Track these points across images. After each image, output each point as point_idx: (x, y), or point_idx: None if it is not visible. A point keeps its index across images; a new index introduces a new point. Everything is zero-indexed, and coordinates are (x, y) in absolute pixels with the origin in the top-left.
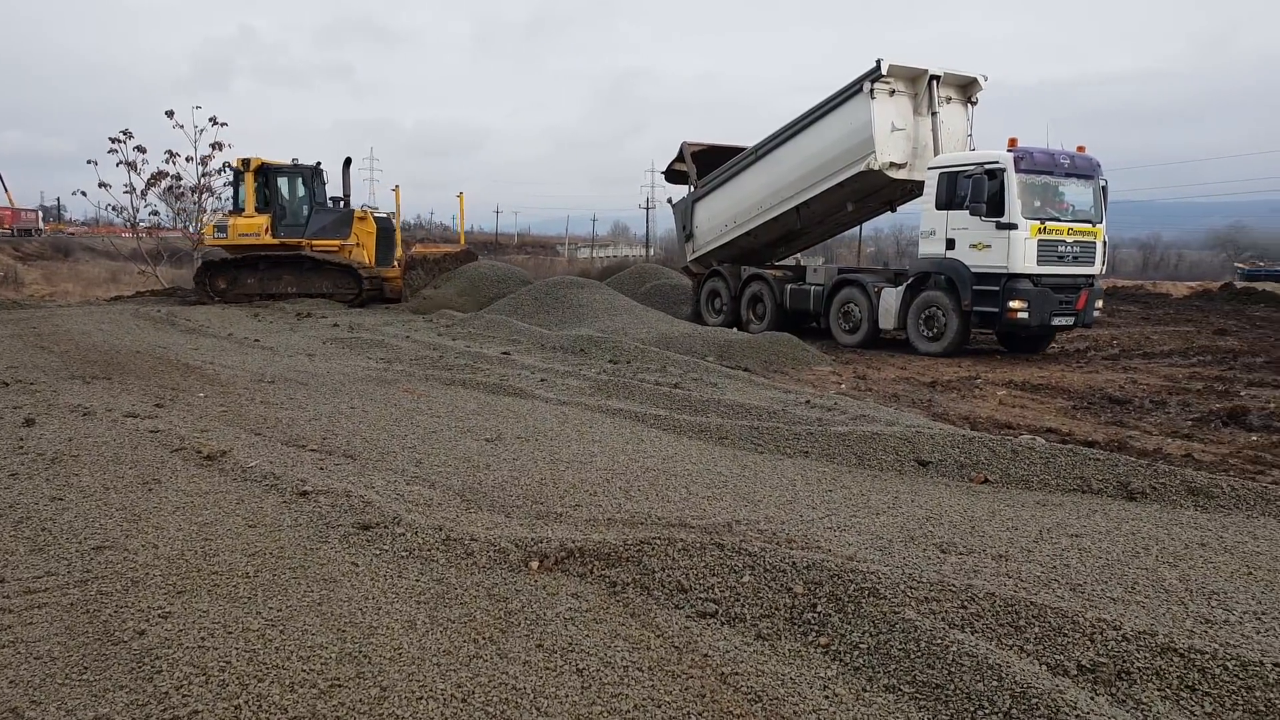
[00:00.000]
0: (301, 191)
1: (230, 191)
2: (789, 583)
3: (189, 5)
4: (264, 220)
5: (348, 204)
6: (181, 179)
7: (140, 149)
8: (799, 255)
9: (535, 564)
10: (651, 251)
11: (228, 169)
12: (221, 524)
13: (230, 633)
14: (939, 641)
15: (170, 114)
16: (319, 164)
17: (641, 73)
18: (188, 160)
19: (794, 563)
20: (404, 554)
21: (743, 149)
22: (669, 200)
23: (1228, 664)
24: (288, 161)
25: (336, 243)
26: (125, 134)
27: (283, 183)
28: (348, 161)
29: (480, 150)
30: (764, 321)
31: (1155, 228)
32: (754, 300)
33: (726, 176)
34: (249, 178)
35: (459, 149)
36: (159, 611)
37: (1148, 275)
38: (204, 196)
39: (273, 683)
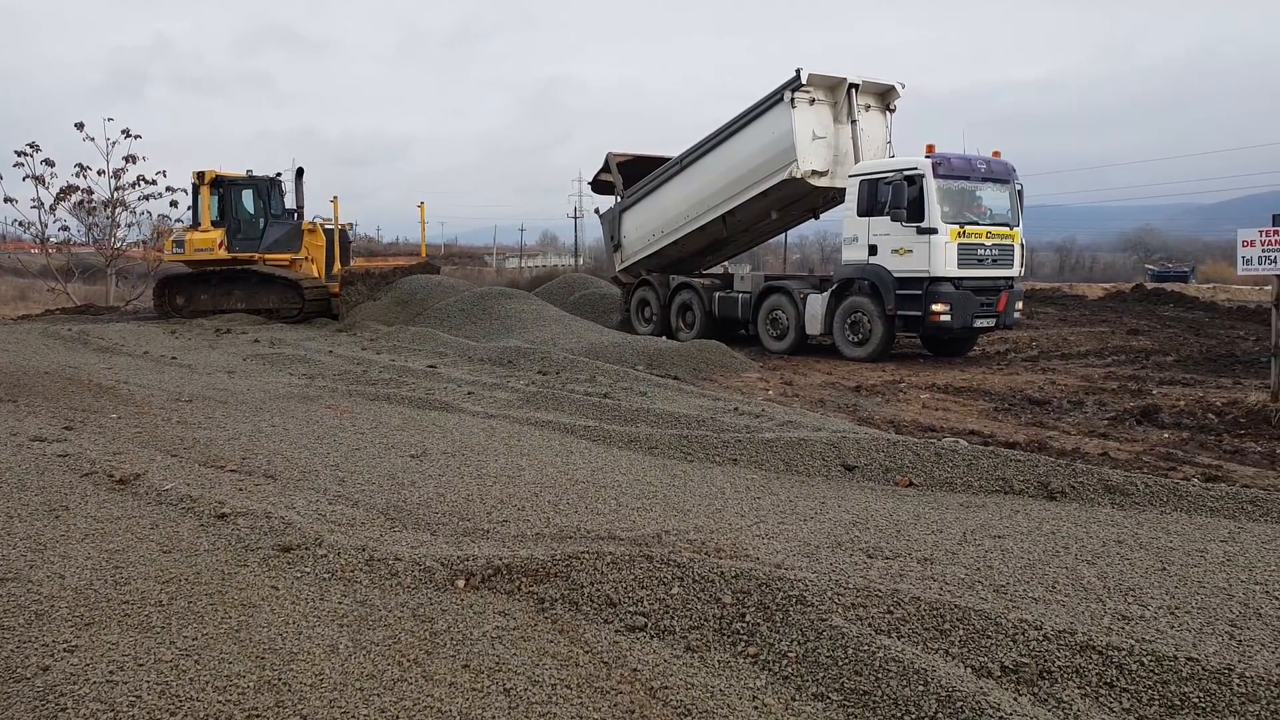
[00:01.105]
0: (258, 204)
1: (145, 205)
2: (718, 593)
3: (100, 13)
4: (218, 234)
5: (301, 216)
6: (93, 193)
7: (49, 162)
8: (727, 263)
9: (461, 582)
10: (580, 261)
11: (142, 183)
12: (134, 550)
13: (141, 665)
14: (866, 648)
15: (80, 126)
16: (278, 175)
17: (566, 80)
18: (99, 174)
19: (722, 572)
20: (326, 576)
21: (668, 159)
22: (596, 211)
23: (1144, 660)
24: (243, 173)
25: (288, 257)
26: (32, 146)
27: (237, 195)
28: (300, 171)
29: (403, 159)
30: (693, 329)
31: (1070, 231)
32: (683, 309)
33: (652, 186)
34: (204, 191)
35: (382, 158)
36: (64, 645)
37: (1064, 277)
38: (118, 211)
39: (186, 716)
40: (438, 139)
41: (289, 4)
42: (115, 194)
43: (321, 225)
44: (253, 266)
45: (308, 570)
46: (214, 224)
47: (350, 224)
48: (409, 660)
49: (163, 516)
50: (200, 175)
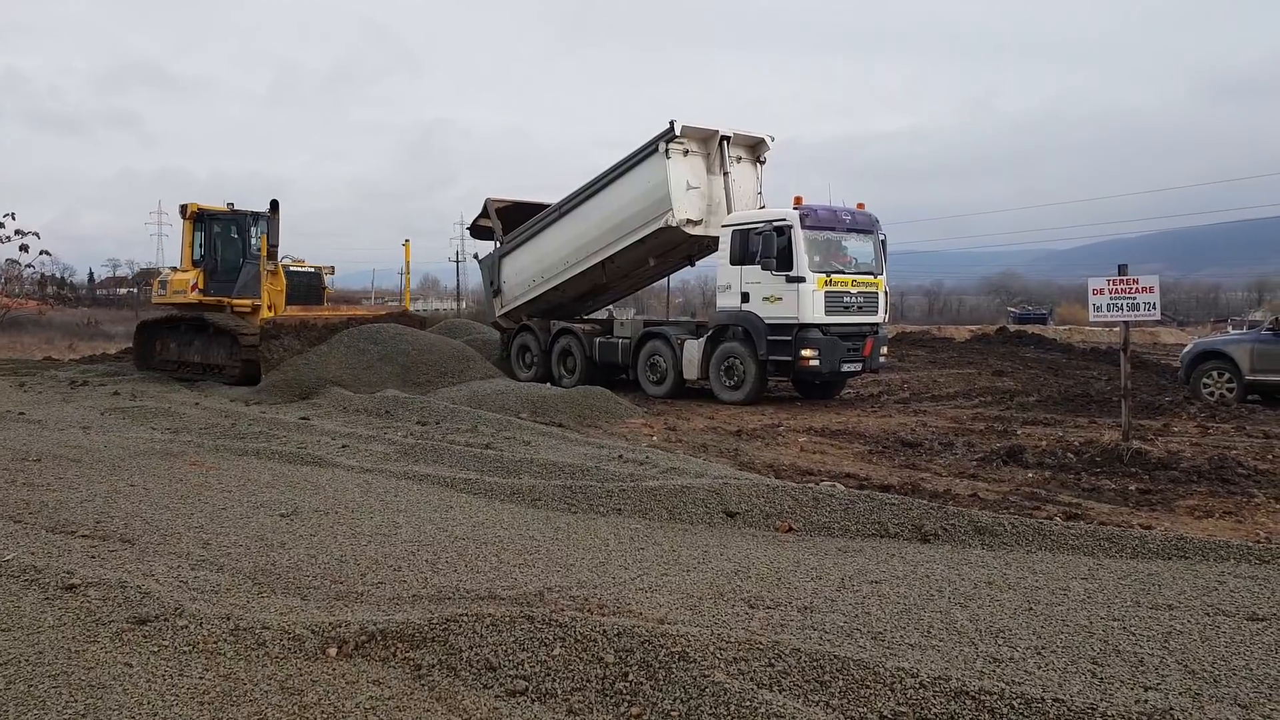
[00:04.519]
0: (237, 242)
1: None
2: (600, 652)
3: None
4: (193, 275)
5: (272, 255)
6: None
7: None
8: (611, 308)
9: (333, 650)
10: (463, 305)
11: None
12: None
13: None
14: (748, 704)
15: None
16: (272, 207)
17: (450, 124)
18: None
19: (605, 630)
20: (186, 649)
21: (546, 205)
22: (475, 256)
23: (1013, 703)
24: (224, 206)
25: (250, 301)
26: None
27: (216, 231)
28: (274, 204)
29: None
30: (575, 375)
31: (938, 275)
32: (564, 354)
33: (532, 233)
34: (187, 227)
35: (255, 200)
36: None
37: (933, 320)
38: None
39: None
40: (315, 181)
41: (157, 41)
42: None
43: (285, 266)
44: (207, 315)
45: (166, 643)
46: (195, 263)
47: (329, 267)
48: None
49: (1, 590)
50: (183, 209)
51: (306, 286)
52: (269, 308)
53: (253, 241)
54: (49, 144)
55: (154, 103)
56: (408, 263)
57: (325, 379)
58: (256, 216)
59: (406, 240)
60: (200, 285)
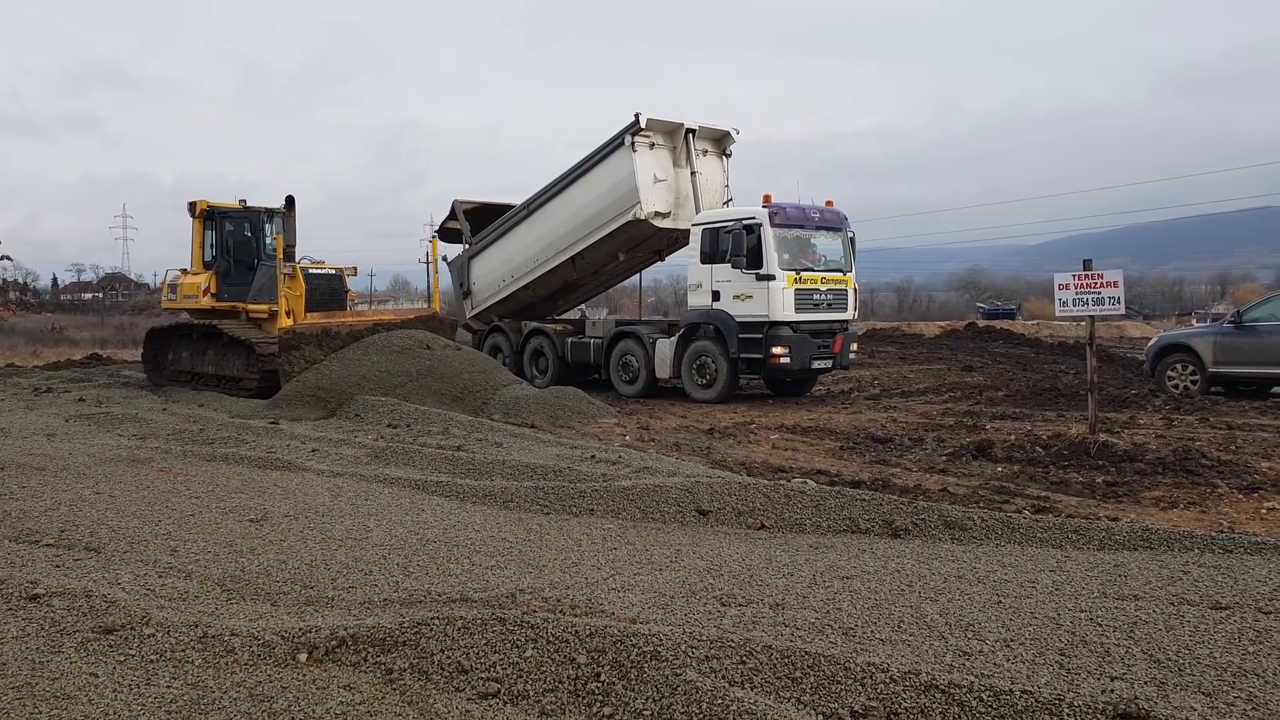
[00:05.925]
0: (250, 242)
1: None
2: (572, 653)
3: None
4: (204, 278)
5: (289, 256)
6: None
7: None
8: (583, 308)
9: (304, 656)
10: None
11: None
12: None
13: None
14: (720, 701)
15: None
16: (288, 203)
17: (420, 126)
18: None
19: (577, 631)
20: (153, 657)
21: (514, 205)
22: (444, 258)
23: (983, 695)
24: (236, 203)
25: (267, 307)
26: None
27: (229, 231)
28: (289, 201)
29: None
30: (547, 376)
31: (907, 272)
32: (536, 355)
33: (501, 232)
34: (196, 226)
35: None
36: None
37: (903, 316)
38: None
39: None
40: (283, 183)
41: (120, 43)
42: None
43: (303, 268)
44: (220, 323)
45: (132, 653)
46: (206, 265)
47: (350, 269)
48: None
49: None
50: (192, 206)
51: (328, 290)
52: (287, 314)
53: (267, 241)
54: (9, 148)
55: (117, 105)
56: (433, 260)
57: (348, 392)
58: (270, 214)
59: (434, 236)
60: (213, 289)
